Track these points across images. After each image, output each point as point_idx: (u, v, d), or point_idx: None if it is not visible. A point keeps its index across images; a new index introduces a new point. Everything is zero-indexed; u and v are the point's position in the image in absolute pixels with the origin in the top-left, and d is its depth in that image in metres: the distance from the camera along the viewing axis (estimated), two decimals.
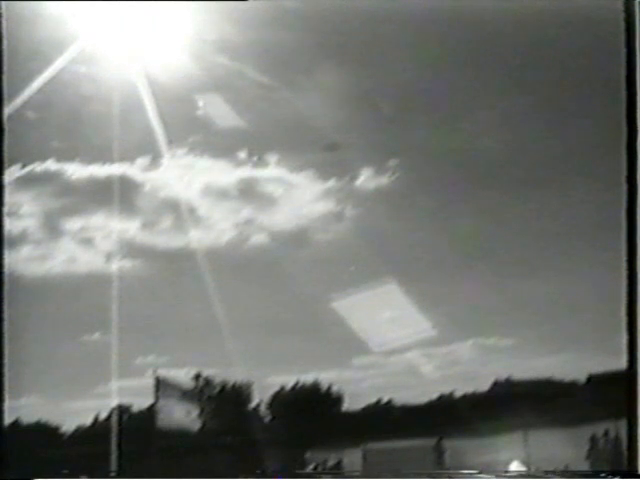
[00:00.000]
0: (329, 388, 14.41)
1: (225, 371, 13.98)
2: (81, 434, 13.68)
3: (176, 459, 12.95)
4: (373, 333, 13.25)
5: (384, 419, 13.75)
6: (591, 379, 13.15)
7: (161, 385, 13.61)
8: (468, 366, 13.64)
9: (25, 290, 12.41)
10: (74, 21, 12.26)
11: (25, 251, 13.73)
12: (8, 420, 11.53)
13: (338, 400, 14.46)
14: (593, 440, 12.74)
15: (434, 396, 13.51)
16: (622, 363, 10.58)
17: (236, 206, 14.30)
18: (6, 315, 11.05)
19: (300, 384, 14.30)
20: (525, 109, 13.06)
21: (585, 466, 12.46)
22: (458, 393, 13.53)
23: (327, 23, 12.47)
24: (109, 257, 13.81)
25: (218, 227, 14.05)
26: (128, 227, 13.94)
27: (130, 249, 13.90)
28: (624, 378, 10.51)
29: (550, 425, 12.77)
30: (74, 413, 13.71)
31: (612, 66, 11.05)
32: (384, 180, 13.88)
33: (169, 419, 13.73)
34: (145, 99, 12.72)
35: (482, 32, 12.33)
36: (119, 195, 13.43)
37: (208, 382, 14.33)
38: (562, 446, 12.39)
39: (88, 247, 13.98)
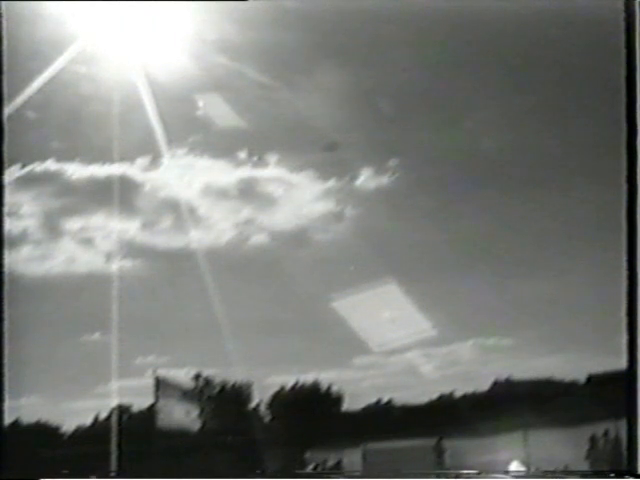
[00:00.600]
0: (329, 388, 14.41)
1: (225, 371, 13.98)
2: (81, 434, 13.67)
3: (176, 459, 12.95)
4: (373, 333, 13.26)
5: (384, 419, 13.75)
6: (591, 379, 13.15)
7: (161, 385, 13.61)
8: (468, 366, 13.64)
9: (25, 290, 12.42)
10: (74, 21, 12.28)
11: (25, 251, 13.74)
12: (8, 420, 11.56)
13: (338, 400, 14.45)
14: (593, 440, 12.74)
15: (434, 396, 13.51)
16: (622, 363, 10.60)
17: (236, 206, 14.31)
18: (6, 315, 11.08)
19: (300, 384, 14.30)
20: (525, 109, 13.07)
21: (585, 466, 12.46)
22: (458, 393, 13.53)
23: (327, 23, 12.48)
24: (109, 257, 13.82)
25: (218, 227, 14.06)
26: (128, 227, 13.95)
27: (130, 249, 13.91)
28: (624, 378, 10.53)
29: (550, 425, 12.77)
30: (74, 413, 13.71)
31: (612, 66, 11.07)
32: (384, 180, 13.90)
33: (169, 419, 13.74)
34: (145, 99, 12.74)
35: (482, 32, 12.34)
36: (119, 195, 13.44)
37: (208, 382, 14.33)
38: (562, 446, 12.39)
39: (88, 247, 14.00)
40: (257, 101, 13.52)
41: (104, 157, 13.41)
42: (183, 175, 14.04)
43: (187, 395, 14.08)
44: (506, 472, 11.90)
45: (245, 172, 14.14)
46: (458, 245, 13.53)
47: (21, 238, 13.62)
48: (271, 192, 14.19)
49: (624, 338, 10.53)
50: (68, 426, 13.70)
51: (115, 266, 13.59)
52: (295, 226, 14.09)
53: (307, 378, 14.25)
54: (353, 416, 14.15)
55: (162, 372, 13.59)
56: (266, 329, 13.37)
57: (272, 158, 14.09)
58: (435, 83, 13.15)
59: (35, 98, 12.33)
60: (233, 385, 14.41)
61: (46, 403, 13.27)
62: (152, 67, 12.76)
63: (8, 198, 11.90)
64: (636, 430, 10.32)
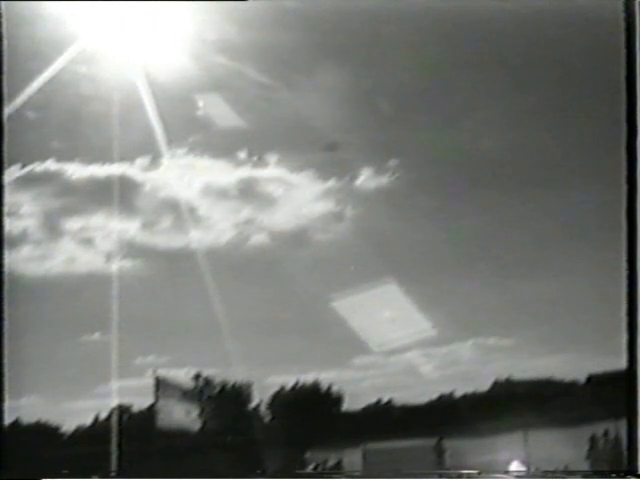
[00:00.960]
0: (329, 388, 14.41)
1: (225, 371, 13.98)
2: (81, 434, 13.67)
3: (176, 459, 12.95)
4: (373, 333, 13.26)
5: (384, 419, 13.75)
6: (591, 379, 13.15)
7: (161, 385, 13.61)
8: (468, 366, 13.65)
9: (25, 290, 12.42)
10: (74, 21, 12.28)
11: (25, 251, 13.75)
12: (8, 420, 11.57)
13: (338, 400, 14.45)
14: (593, 440, 12.74)
15: (434, 396, 13.52)
16: (622, 363, 10.60)
17: (236, 206, 14.31)
18: (6, 315, 11.08)
19: (300, 384, 14.30)
20: (525, 109, 13.06)
21: (585, 466, 12.46)
22: (458, 393, 13.54)
23: (327, 23, 12.48)
24: (109, 257, 13.82)
25: (218, 227, 14.06)
26: (128, 227, 13.96)
27: (130, 249, 13.91)
28: (624, 378, 10.53)
29: (550, 425, 12.77)
30: (74, 413, 13.71)
31: (612, 66, 11.08)
32: (384, 180, 13.90)
33: (169, 419, 13.74)
34: (145, 99, 12.74)
35: (482, 32, 12.34)
36: (119, 195, 13.45)
37: (208, 382, 14.33)
38: (562, 446, 12.39)
39: (88, 247, 14.00)
40: (257, 101, 13.53)
41: (104, 157, 13.42)
42: (183, 175, 14.05)
43: (187, 395, 14.08)
44: (506, 472, 11.90)
45: (245, 172, 14.15)
46: (458, 245, 13.54)
47: (21, 238, 13.63)
48: (271, 192, 14.20)
49: (624, 338, 10.53)
50: (68, 426, 13.71)
51: (115, 266, 13.60)
52: (295, 226, 14.10)
53: (307, 378, 14.26)
54: (353, 416, 14.15)
55: (162, 372, 13.60)
56: (266, 329, 13.37)
57: (272, 158, 14.11)
58: (435, 83, 13.16)
59: (35, 98, 12.33)
60: (233, 385, 14.41)
61: (46, 403, 13.28)
62: (152, 67, 12.77)
63: (8, 198, 11.90)
64: (636, 430, 10.32)
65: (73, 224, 14.01)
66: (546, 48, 12.48)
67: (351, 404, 14.25)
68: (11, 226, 12.56)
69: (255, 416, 14.43)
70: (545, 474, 11.94)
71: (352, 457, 13.54)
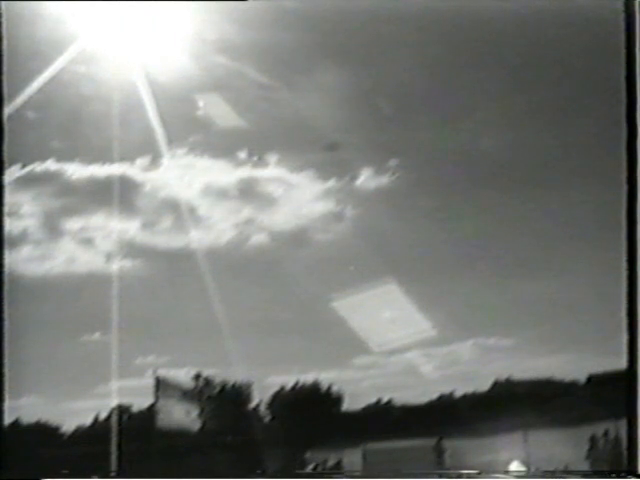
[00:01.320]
0: (329, 388, 14.42)
1: (225, 371, 13.98)
2: (81, 434, 13.68)
3: (176, 459, 12.95)
4: (373, 333, 13.26)
5: (384, 419, 13.75)
6: (591, 379, 13.16)
7: (161, 385, 13.61)
8: (468, 366, 13.65)
9: (25, 290, 12.42)
10: (74, 21, 12.28)
11: (25, 251, 13.75)
12: (8, 420, 11.56)
13: (338, 400, 14.46)
14: (593, 440, 12.74)
15: (434, 396, 13.52)
16: (622, 363, 10.58)
17: (236, 206, 14.31)
18: (6, 315, 11.07)
19: (300, 384, 14.31)
20: (525, 109, 13.07)
21: (585, 466, 12.46)
22: (458, 393, 13.54)
23: (327, 23, 12.48)
24: (109, 257, 13.83)
25: (218, 227, 14.06)
26: (128, 227, 13.96)
27: (130, 249, 13.91)
28: (624, 378, 10.52)
29: (550, 425, 12.77)
30: (74, 413, 13.72)
31: (612, 66, 11.07)
32: (384, 180, 13.90)
33: (169, 419, 13.74)
34: (145, 99, 12.74)
35: (482, 32, 12.34)
36: (119, 195, 13.45)
37: (208, 382, 14.33)
38: (562, 446, 12.40)
39: (88, 247, 14.00)
40: (257, 101, 13.53)
41: (104, 157, 13.42)
42: (183, 175, 14.06)
43: (187, 395, 14.08)
44: (506, 472, 11.90)
45: (245, 172, 14.16)
46: (458, 245, 13.54)
47: (21, 238, 13.64)
48: (271, 192, 14.21)
49: (624, 338, 10.53)
50: (68, 426, 13.72)
51: (115, 266, 13.60)
52: (295, 226, 14.11)
53: (307, 378, 14.27)
54: (353, 416, 14.15)
55: (162, 372, 13.60)
56: (266, 329, 13.37)
57: (272, 158, 14.12)
58: (435, 83, 13.16)
59: (35, 98, 12.33)
60: (233, 385, 14.41)
61: (46, 403, 13.28)
62: (152, 67, 12.76)
63: (8, 198, 11.89)
64: (636, 430, 10.31)
65: (73, 224, 14.03)
66: (546, 48, 12.49)
67: (351, 404, 14.27)
68: (11, 226, 12.56)
69: (255, 416, 14.43)
70: (545, 474, 11.94)
71: (352, 457, 13.55)
